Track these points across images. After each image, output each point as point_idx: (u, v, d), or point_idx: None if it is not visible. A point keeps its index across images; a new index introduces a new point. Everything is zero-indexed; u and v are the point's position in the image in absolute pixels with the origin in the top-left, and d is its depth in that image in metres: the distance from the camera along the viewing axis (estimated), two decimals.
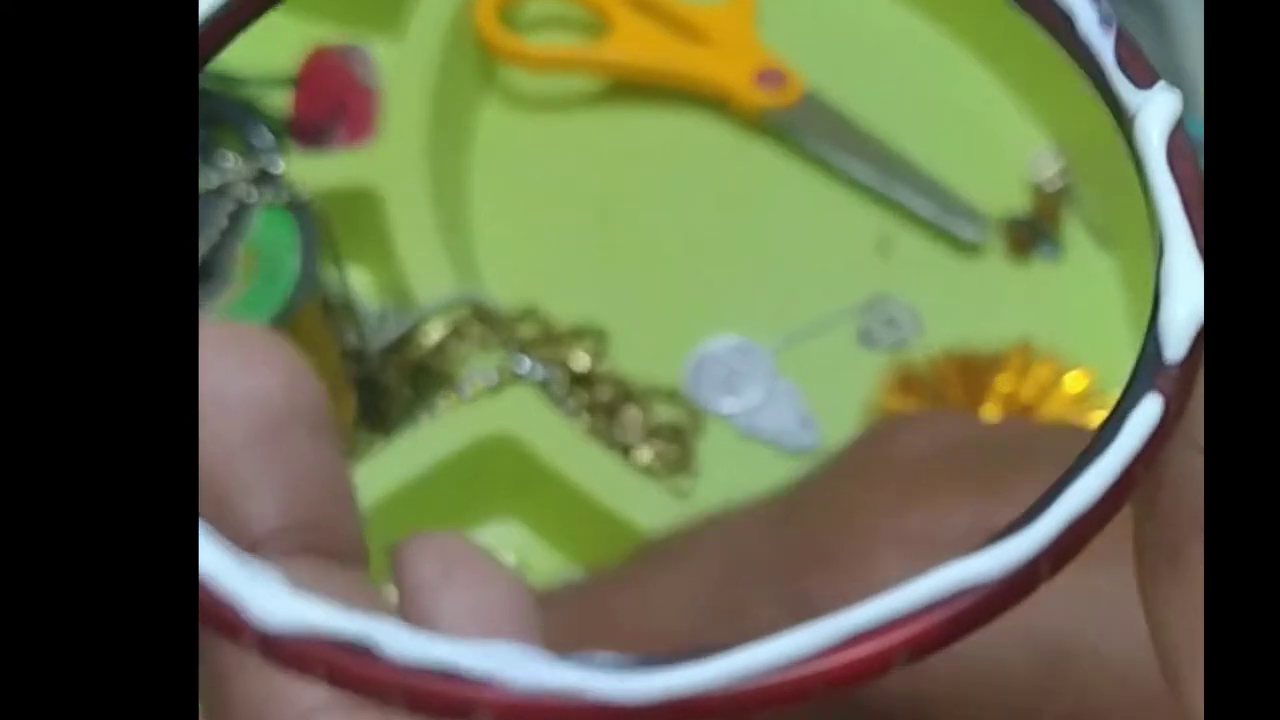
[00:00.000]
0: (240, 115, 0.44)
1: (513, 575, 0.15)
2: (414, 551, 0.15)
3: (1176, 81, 0.50)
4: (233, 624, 0.10)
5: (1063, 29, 0.12)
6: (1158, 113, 0.12)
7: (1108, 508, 0.10)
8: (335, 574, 0.14)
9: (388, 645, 0.10)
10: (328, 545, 0.14)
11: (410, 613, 0.14)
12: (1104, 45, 0.12)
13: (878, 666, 0.09)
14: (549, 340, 0.40)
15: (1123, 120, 0.12)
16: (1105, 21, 0.12)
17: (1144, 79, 0.12)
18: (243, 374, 0.14)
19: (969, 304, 0.43)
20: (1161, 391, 0.11)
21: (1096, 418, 0.40)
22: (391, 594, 0.15)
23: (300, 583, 0.12)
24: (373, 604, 0.14)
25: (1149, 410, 0.11)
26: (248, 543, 0.14)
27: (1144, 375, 0.11)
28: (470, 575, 0.14)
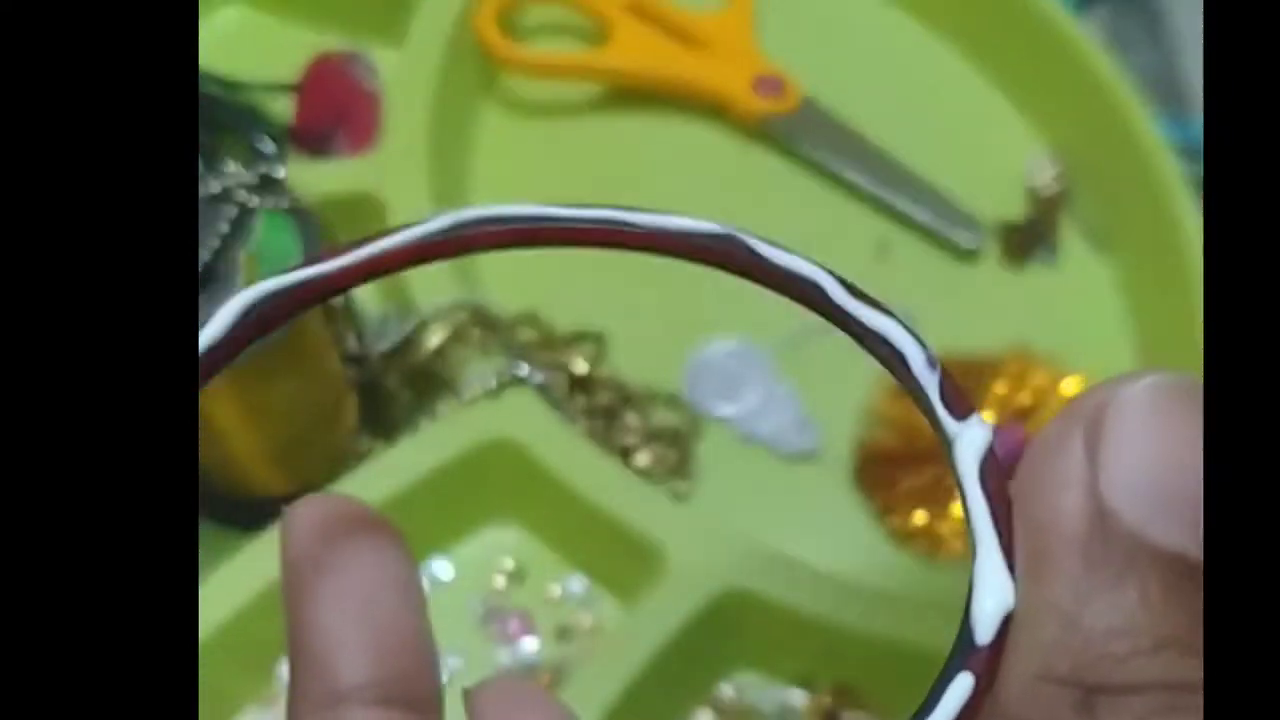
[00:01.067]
0: (243, 121, 0.44)
1: (567, 712, 0.16)
2: (481, 693, 0.16)
3: (1171, 85, 0.51)
4: None
5: (897, 366, 0.15)
6: (972, 441, 0.14)
7: None
8: None
9: None
10: (408, 697, 0.16)
11: None
12: (930, 382, 0.15)
13: None
14: (548, 345, 0.40)
15: (945, 444, 0.14)
16: (931, 364, 0.15)
17: (962, 411, 0.14)
18: (342, 546, 0.16)
19: (966, 309, 0.43)
20: (972, 670, 0.13)
21: None
22: None
23: None
24: None
25: (962, 685, 0.13)
26: (338, 694, 0.16)
27: (958, 657, 0.13)
28: (530, 714, 0.16)
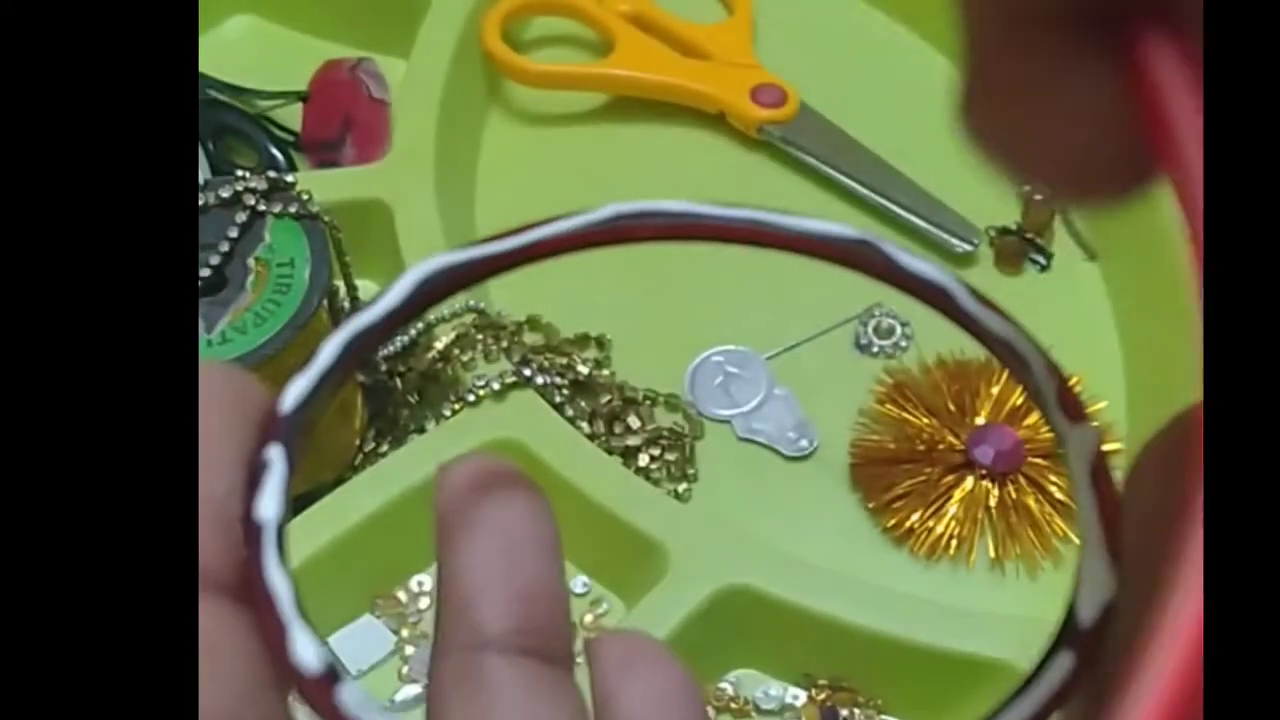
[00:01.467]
0: (252, 128, 0.45)
1: (684, 667, 0.17)
2: (601, 644, 0.17)
3: None
4: None
5: (1020, 370, 0.16)
6: (1084, 442, 0.15)
7: None
8: (548, 673, 0.17)
9: None
10: (544, 649, 0.17)
11: (597, 697, 0.17)
12: (1049, 387, 0.16)
13: None
14: (553, 348, 0.41)
15: (1060, 444, 0.15)
16: (1050, 370, 0.16)
17: (1076, 415, 0.15)
18: (490, 502, 0.17)
19: None
20: (1075, 649, 0.14)
21: None
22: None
23: (522, 678, 0.16)
24: (574, 698, 0.17)
25: (1064, 663, 0.14)
26: (480, 639, 0.17)
27: (1063, 637, 0.14)
28: (648, 667, 0.17)
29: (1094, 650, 0.14)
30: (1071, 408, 0.15)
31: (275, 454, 0.16)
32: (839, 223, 0.17)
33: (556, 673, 0.17)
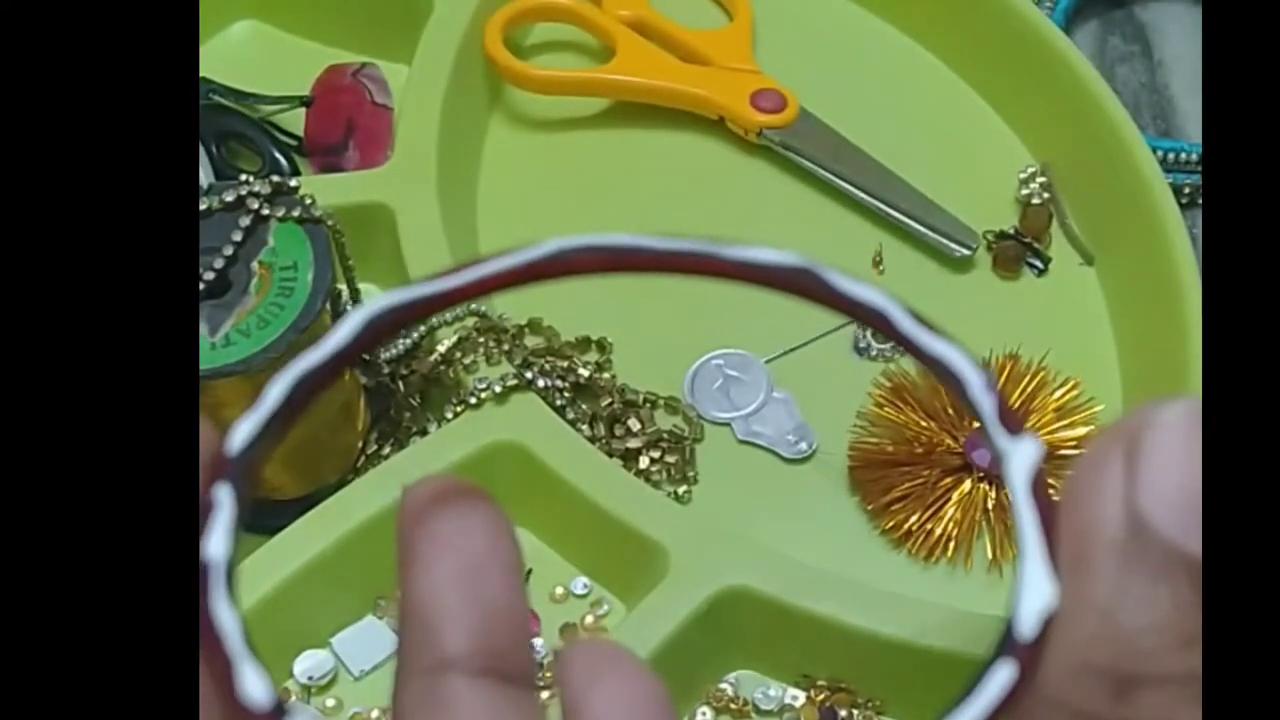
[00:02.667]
0: (256, 133, 0.45)
1: (653, 675, 0.17)
2: (570, 653, 0.17)
3: (1163, 106, 0.52)
4: None
5: (957, 388, 0.17)
6: (1023, 456, 0.15)
7: None
8: (511, 692, 0.17)
9: None
10: (506, 669, 0.17)
11: (566, 706, 0.17)
12: (987, 403, 0.16)
13: None
14: (554, 351, 0.41)
15: (999, 459, 0.16)
16: (988, 387, 0.16)
17: (1015, 429, 0.16)
18: (451, 522, 0.17)
19: (958, 316, 0.43)
20: (1016, 660, 0.14)
21: (1081, 428, 0.41)
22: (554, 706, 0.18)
23: (484, 698, 0.16)
24: (535, 713, 0.17)
25: (1005, 674, 0.14)
26: (442, 661, 0.17)
27: (1002, 649, 0.15)
28: (616, 675, 0.17)
29: (1034, 660, 0.14)
30: (1010, 422, 0.16)
31: (224, 494, 0.16)
32: (780, 250, 0.17)
33: (519, 692, 0.17)
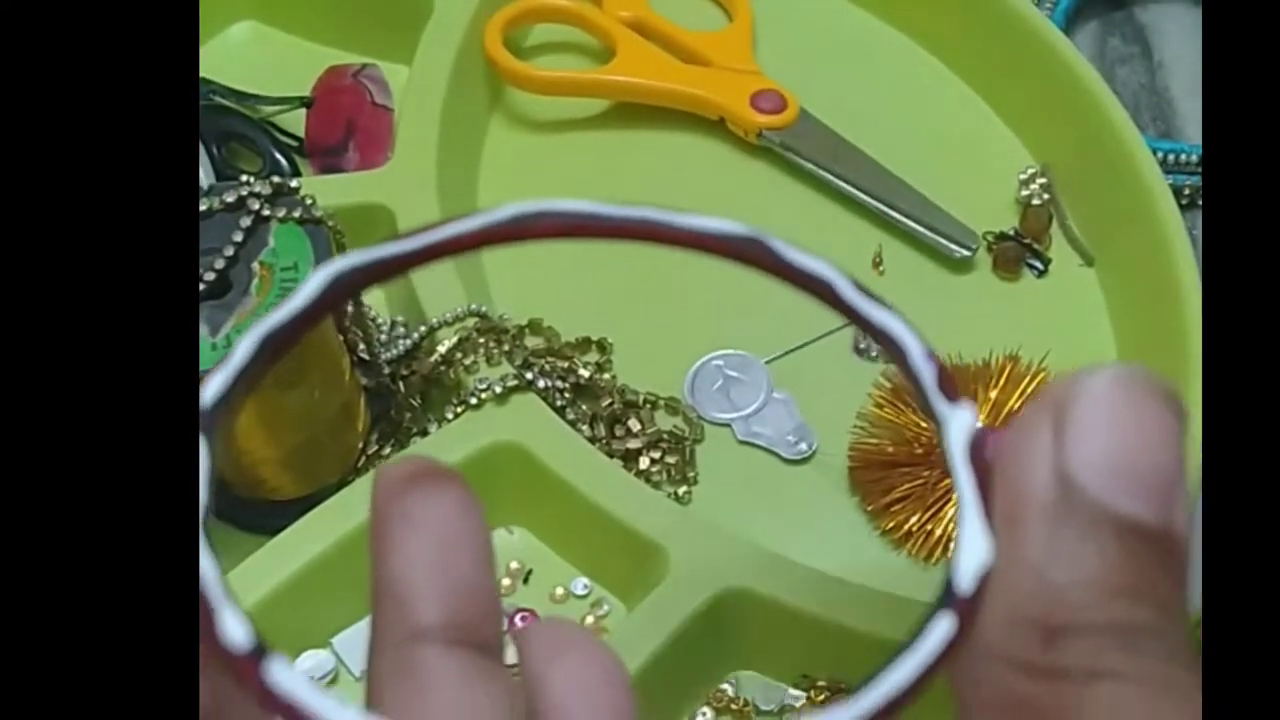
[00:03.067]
0: (256, 133, 0.45)
1: (611, 652, 0.18)
2: (529, 632, 0.18)
3: (1163, 107, 0.52)
4: None
5: (899, 357, 0.17)
6: (961, 422, 0.16)
7: (913, 692, 0.15)
8: (481, 661, 0.17)
9: None
10: (476, 639, 0.18)
11: (526, 683, 0.17)
12: (927, 371, 0.17)
13: None
14: (554, 351, 0.41)
15: (938, 425, 0.17)
16: (928, 356, 0.17)
17: (953, 397, 0.17)
18: (423, 500, 0.18)
19: (958, 317, 0.44)
20: (955, 613, 0.15)
21: None
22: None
23: (456, 667, 0.16)
24: (507, 685, 0.18)
25: (944, 626, 0.15)
26: (415, 633, 0.17)
27: (942, 603, 0.15)
28: (575, 652, 0.17)
29: (972, 613, 0.15)
30: (949, 389, 0.17)
31: (200, 446, 0.16)
32: (729, 220, 0.18)
33: (489, 661, 0.18)
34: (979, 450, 0.16)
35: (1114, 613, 0.15)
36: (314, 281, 0.17)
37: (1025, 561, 0.15)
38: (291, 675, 0.15)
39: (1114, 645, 0.14)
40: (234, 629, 0.15)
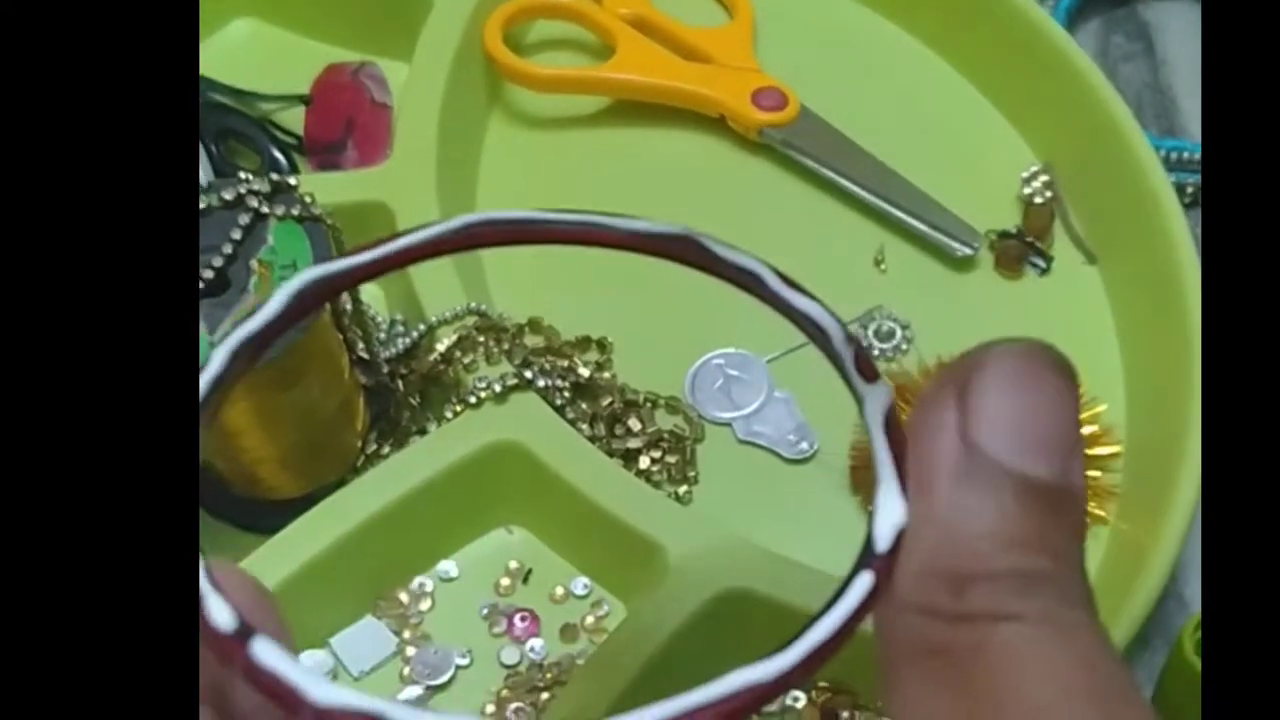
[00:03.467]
0: (255, 131, 0.45)
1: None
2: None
3: (1165, 105, 0.51)
4: (296, 702, 0.15)
5: (821, 340, 0.19)
6: (878, 398, 0.18)
7: (837, 643, 0.17)
8: None
9: (395, 716, 0.15)
10: None
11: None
12: (846, 353, 0.19)
13: None
14: (554, 350, 0.41)
15: (857, 401, 0.18)
16: (847, 339, 0.19)
17: (870, 376, 0.18)
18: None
19: (960, 316, 0.44)
20: (873, 570, 0.17)
21: (1085, 427, 0.41)
22: None
23: None
24: None
25: (864, 582, 0.17)
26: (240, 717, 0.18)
27: (862, 561, 0.17)
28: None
29: (889, 569, 0.17)
30: (867, 370, 0.18)
31: None
32: (660, 221, 0.20)
33: None
34: (894, 423, 0.18)
35: (1014, 561, 0.16)
36: (281, 296, 0.19)
37: (935, 520, 0.16)
38: (273, 652, 0.16)
39: (1014, 590, 0.16)
40: (220, 613, 0.16)
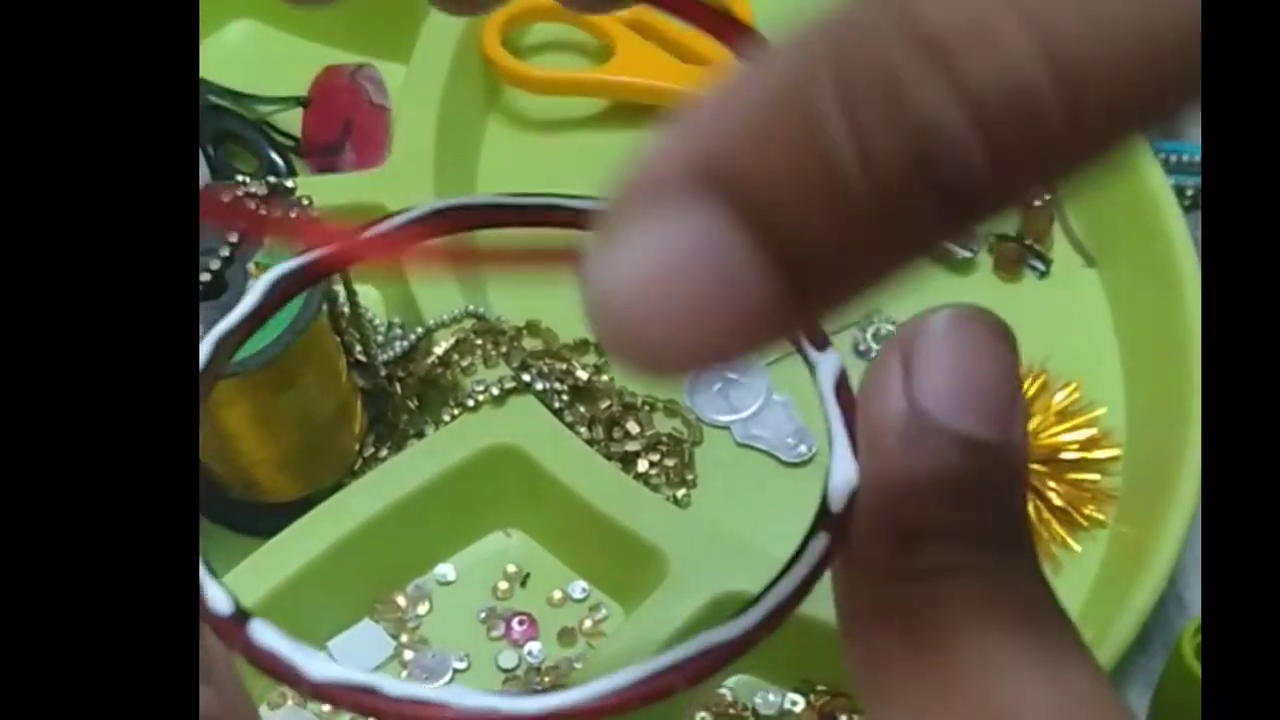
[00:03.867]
0: (253, 133, 0.45)
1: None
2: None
3: None
4: (294, 678, 0.16)
5: None
6: (829, 365, 0.19)
7: (796, 601, 0.17)
8: None
9: (386, 688, 0.16)
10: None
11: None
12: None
13: (664, 692, 0.16)
14: (552, 353, 0.41)
15: (810, 368, 0.19)
16: None
17: (821, 345, 0.19)
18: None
19: None
20: (829, 531, 0.17)
21: (1081, 428, 0.41)
22: None
23: None
24: None
25: (820, 542, 0.17)
26: None
27: (818, 523, 0.17)
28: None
29: (844, 530, 0.17)
30: (818, 340, 0.19)
31: None
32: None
33: None
34: (844, 388, 0.19)
35: (959, 516, 0.17)
36: (258, 289, 0.19)
37: (885, 480, 0.17)
38: (270, 632, 0.16)
39: (961, 543, 0.17)
40: (218, 598, 0.17)
